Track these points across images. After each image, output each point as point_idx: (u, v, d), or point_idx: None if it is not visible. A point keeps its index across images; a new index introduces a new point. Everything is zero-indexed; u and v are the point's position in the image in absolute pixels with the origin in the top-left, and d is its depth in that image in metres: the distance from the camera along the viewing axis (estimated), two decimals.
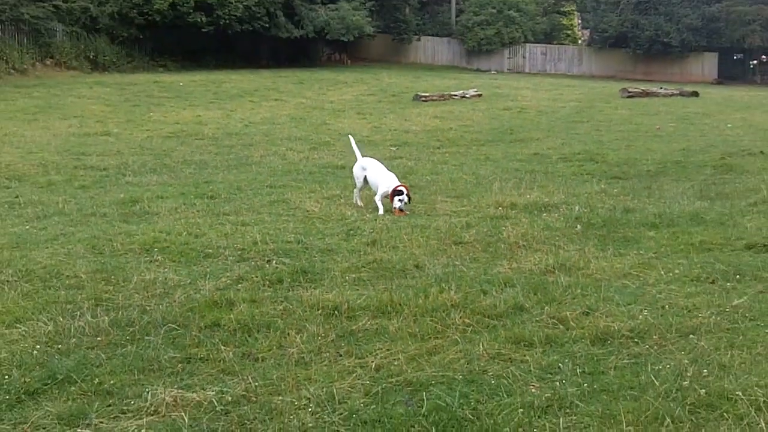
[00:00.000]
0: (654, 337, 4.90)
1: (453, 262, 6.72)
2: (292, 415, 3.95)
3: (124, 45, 33.28)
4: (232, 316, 5.27)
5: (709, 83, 41.60)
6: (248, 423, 3.91)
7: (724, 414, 3.90)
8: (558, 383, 4.25)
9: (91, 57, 31.43)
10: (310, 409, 4.00)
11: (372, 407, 4.02)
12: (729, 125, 19.37)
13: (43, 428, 3.87)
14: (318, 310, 5.42)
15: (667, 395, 4.06)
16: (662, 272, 6.31)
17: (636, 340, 4.88)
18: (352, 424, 3.87)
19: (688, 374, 4.28)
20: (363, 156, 9.79)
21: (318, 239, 7.48)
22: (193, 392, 4.18)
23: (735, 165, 12.51)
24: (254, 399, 4.13)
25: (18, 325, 5.13)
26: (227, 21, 33.81)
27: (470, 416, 3.92)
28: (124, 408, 4.04)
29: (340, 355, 4.71)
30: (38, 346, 4.77)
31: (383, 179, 9.14)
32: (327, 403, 4.05)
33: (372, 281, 6.15)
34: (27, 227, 8.02)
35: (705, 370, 4.34)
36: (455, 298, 5.57)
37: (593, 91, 30.71)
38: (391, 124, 19.62)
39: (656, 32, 43.93)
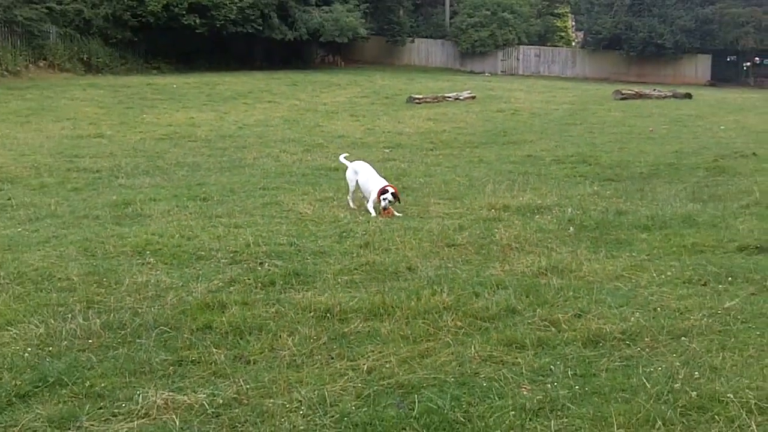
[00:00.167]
0: (646, 339, 4.91)
1: (445, 264, 6.72)
2: (283, 417, 3.95)
3: (117, 47, 33.23)
4: (224, 318, 5.27)
5: (702, 85, 41.77)
6: (239, 426, 3.91)
7: (716, 416, 3.91)
8: (550, 385, 4.26)
9: (85, 59, 31.39)
10: (301, 412, 4.00)
11: (363, 410, 4.02)
12: (722, 127, 19.45)
13: (34, 431, 3.86)
14: (310, 312, 5.42)
15: (658, 397, 4.07)
16: (654, 274, 6.33)
17: (628, 342, 4.89)
18: (343, 427, 3.87)
19: (680, 376, 4.29)
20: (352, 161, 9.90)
21: (311, 241, 7.47)
22: (184, 395, 4.18)
23: (727, 167, 12.54)
24: (246, 402, 4.13)
25: (9, 327, 5.12)
26: (221, 23, 33.82)
27: (462, 419, 3.93)
28: (115, 411, 4.03)
29: (332, 358, 4.71)
30: (29, 349, 4.76)
31: (374, 183, 9.22)
32: (318, 406, 4.05)
33: (364, 283, 6.15)
34: (19, 229, 8.01)
35: (696, 373, 4.36)
36: (447, 301, 5.58)
37: (587, 93, 30.80)
38: (384, 126, 19.63)
39: (650, 34, 44.06)
